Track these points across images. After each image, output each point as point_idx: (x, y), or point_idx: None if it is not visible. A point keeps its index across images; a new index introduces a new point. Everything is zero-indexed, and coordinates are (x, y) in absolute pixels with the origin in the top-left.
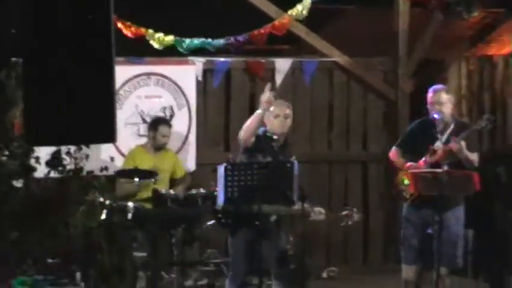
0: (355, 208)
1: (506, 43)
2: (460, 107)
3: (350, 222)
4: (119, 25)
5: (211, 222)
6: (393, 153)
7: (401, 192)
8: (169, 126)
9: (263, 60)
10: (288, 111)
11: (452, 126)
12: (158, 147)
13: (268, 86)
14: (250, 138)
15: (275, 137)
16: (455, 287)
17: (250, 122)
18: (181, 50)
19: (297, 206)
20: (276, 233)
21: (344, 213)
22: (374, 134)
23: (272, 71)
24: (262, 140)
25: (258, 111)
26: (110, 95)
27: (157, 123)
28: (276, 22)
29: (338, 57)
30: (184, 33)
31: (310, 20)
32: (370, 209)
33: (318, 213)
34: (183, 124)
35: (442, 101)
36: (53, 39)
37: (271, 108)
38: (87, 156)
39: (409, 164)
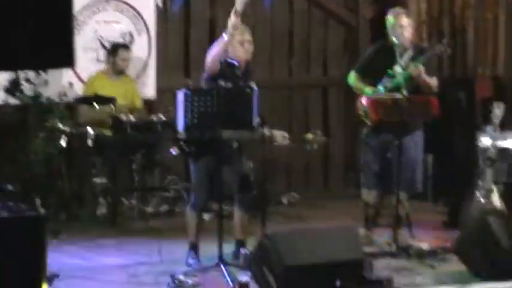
0: (318, 131)
1: None
2: (420, 31)
3: (315, 147)
4: None
5: (174, 151)
6: (352, 77)
7: (361, 117)
8: (129, 50)
9: None
10: (250, 36)
11: (410, 51)
12: (119, 71)
13: (234, 10)
14: (217, 65)
15: (236, 63)
16: (415, 211)
17: (217, 49)
18: None
19: (257, 132)
20: (237, 159)
21: (308, 136)
22: (334, 59)
23: None
24: (224, 67)
25: (225, 38)
26: (68, 20)
27: (117, 48)
28: None
29: None
30: None
31: None
32: (331, 134)
33: (282, 137)
34: (143, 50)
35: (403, 25)
36: None
37: (236, 37)
38: (46, 82)
39: (369, 89)
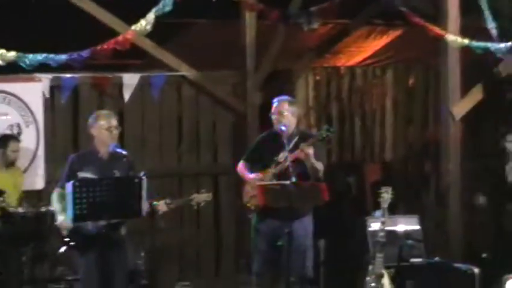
0: (203, 190)
1: (354, 54)
2: (309, 117)
3: (202, 204)
4: None
5: (63, 248)
6: (241, 167)
7: (246, 203)
8: (19, 141)
9: (110, 76)
10: (116, 121)
11: (297, 137)
12: (9, 163)
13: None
14: None
15: (124, 152)
16: None
17: None
18: (24, 66)
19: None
20: (126, 249)
21: (192, 196)
22: (224, 146)
23: (120, 86)
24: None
25: None
26: None
27: (7, 140)
28: (120, 37)
29: (186, 71)
30: (27, 49)
31: (159, 34)
32: (222, 221)
33: (163, 204)
34: (31, 141)
35: (283, 112)
36: None
37: (101, 122)
38: None
39: (252, 175)
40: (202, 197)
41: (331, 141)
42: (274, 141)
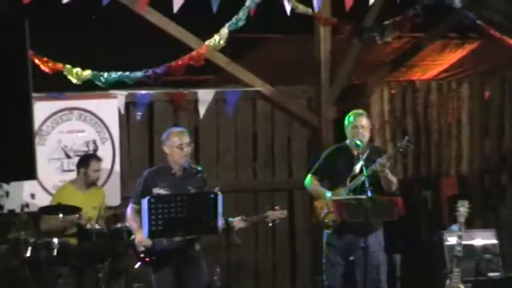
0: (277, 206)
1: (429, 68)
2: (384, 131)
3: (277, 221)
4: (36, 61)
5: (138, 264)
6: (309, 181)
7: (323, 220)
8: (100, 160)
9: (185, 92)
10: (188, 138)
11: (368, 151)
12: (91, 182)
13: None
14: None
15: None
16: None
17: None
18: (99, 84)
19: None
20: (199, 264)
21: (266, 213)
22: (299, 161)
23: (195, 102)
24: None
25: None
26: (29, 132)
27: (89, 159)
28: (194, 53)
29: (261, 86)
30: (102, 67)
31: (232, 49)
32: (297, 236)
33: (238, 221)
34: (107, 158)
35: (358, 125)
36: None
37: (173, 139)
38: (7, 194)
39: (329, 194)
40: (277, 214)
41: (407, 155)
42: (345, 156)
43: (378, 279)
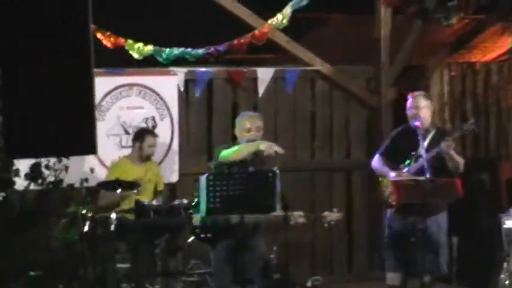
0: (335, 209)
1: (489, 50)
2: (443, 113)
3: (332, 223)
4: (98, 35)
5: (191, 238)
6: (376, 161)
7: (386, 199)
8: (155, 136)
9: (245, 70)
10: (260, 123)
11: (433, 133)
12: (145, 157)
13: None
14: None
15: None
16: None
17: (238, 155)
18: (160, 60)
19: (278, 213)
20: (257, 243)
21: (324, 214)
22: (357, 141)
23: (254, 80)
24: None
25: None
26: (90, 107)
27: (144, 134)
28: (256, 31)
29: (320, 65)
30: (163, 43)
31: (292, 29)
32: (354, 216)
33: (298, 216)
34: (166, 134)
35: (419, 106)
36: (31, 51)
37: (245, 123)
38: (67, 168)
39: (391, 173)
40: (334, 216)
41: (465, 137)
42: (410, 137)
43: (436, 261)
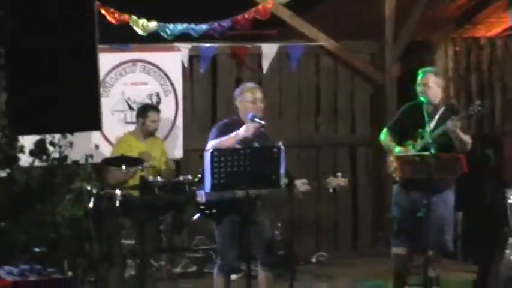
0: (339, 174)
1: (494, 25)
2: (448, 89)
3: (338, 188)
4: (102, 11)
5: (197, 215)
6: (384, 135)
7: (391, 175)
8: (158, 111)
9: (249, 46)
10: (261, 94)
11: (442, 109)
12: (149, 133)
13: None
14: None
15: (263, 122)
16: (445, 270)
17: (225, 142)
18: (165, 35)
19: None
20: (261, 219)
21: (328, 179)
22: (361, 117)
23: (258, 56)
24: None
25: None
26: (94, 83)
27: (147, 109)
28: (260, 7)
29: (324, 41)
30: (167, 19)
31: (297, 4)
32: (359, 192)
33: (301, 184)
34: (170, 110)
35: (428, 84)
36: (35, 28)
37: (246, 94)
38: (71, 144)
39: (398, 149)
40: (338, 181)
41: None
42: (418, 113)
43: (442, 237)
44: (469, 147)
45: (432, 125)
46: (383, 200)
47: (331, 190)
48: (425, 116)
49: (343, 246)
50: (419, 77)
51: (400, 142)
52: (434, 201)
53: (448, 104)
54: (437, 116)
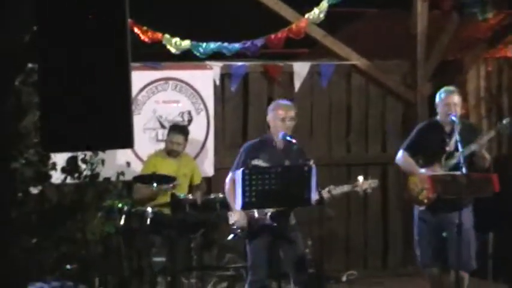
0: (369, 176)
1: None
2: (479, 108)
3: (369, 190)
4: (136, 30)
5: (230, 236)
6: (401, 156)
7: (416, 197)
8: (184, 134)
9: (281, 64)
10: (293, 112)
11: (459, 128)
12: (170, 152)
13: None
14: None
15: (294, 141)
16: None
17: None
18: (197, 54)
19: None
20: (293, 237)
21: (358, 181)
22: (393, 136)
23: (290, 74)
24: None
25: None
26: (127, 100)
27: (170, 131)
28: (293, 26)
29: (356, 60)
30: (200, 37)
31: (329, 23)
32: (390, 211)
33: (325, 193)
34: (201, 129)
35: (450, 103)
36: (68, 45)
37: (278, 111)
38: (103, 162)
39: (422, 170)
40: (368, 183)
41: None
42: (437, 132)
43: (468, 255)
44: (488, 165)
45: (452, 144)
46: (413, 218)
47: (361, 193)
48: (444, 136)
49: (373, 264)
50: (442, 96)
51: (419, 161)
52: (463, 219)
53: (464, 122)
54: (456, 135)
